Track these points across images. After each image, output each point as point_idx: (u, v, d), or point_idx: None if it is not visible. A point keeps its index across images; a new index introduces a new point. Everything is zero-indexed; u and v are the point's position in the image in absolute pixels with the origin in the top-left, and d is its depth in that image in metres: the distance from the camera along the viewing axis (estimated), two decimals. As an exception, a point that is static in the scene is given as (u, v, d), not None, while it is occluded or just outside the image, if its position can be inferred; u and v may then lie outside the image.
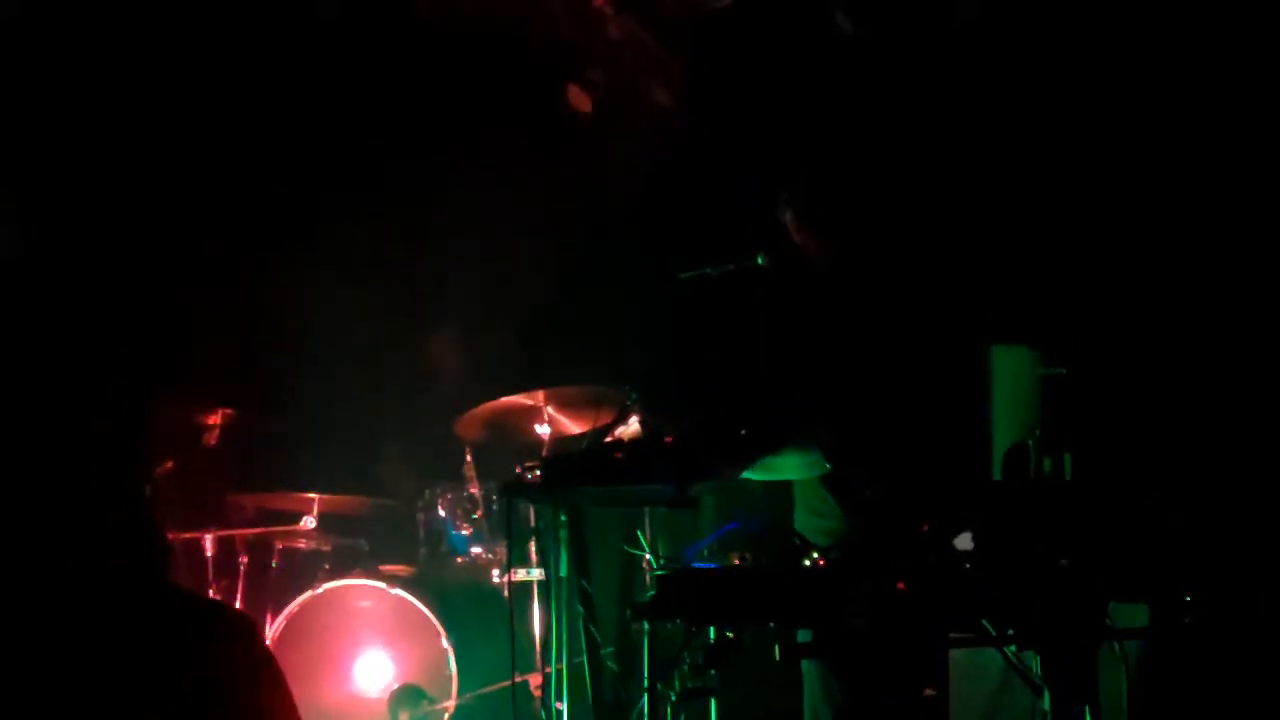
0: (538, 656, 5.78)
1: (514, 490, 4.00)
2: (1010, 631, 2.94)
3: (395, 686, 5.91)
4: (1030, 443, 3.35)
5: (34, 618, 1.61)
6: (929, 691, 4.17)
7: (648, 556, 4.99)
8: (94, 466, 1.71)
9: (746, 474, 3.89)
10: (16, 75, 5.27)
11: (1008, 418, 4.51)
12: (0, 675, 1.56)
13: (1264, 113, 4.66)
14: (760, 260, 4.20)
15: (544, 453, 5.63)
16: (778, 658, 2.91)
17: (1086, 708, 3.01)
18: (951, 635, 3.39)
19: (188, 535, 6.08)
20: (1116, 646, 3.17)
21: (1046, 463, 3.33)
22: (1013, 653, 3.09)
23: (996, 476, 3.75)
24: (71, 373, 1.73)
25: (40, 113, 5.28)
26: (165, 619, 1.69)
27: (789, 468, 4.08)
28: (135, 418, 1.72)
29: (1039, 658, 3.02)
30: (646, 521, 4.87)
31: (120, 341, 1.76)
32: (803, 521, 4.19)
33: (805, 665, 4.08)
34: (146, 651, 1.64)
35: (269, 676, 1.70)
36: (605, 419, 4.55)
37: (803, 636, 3.45)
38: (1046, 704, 3.10)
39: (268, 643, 5.27)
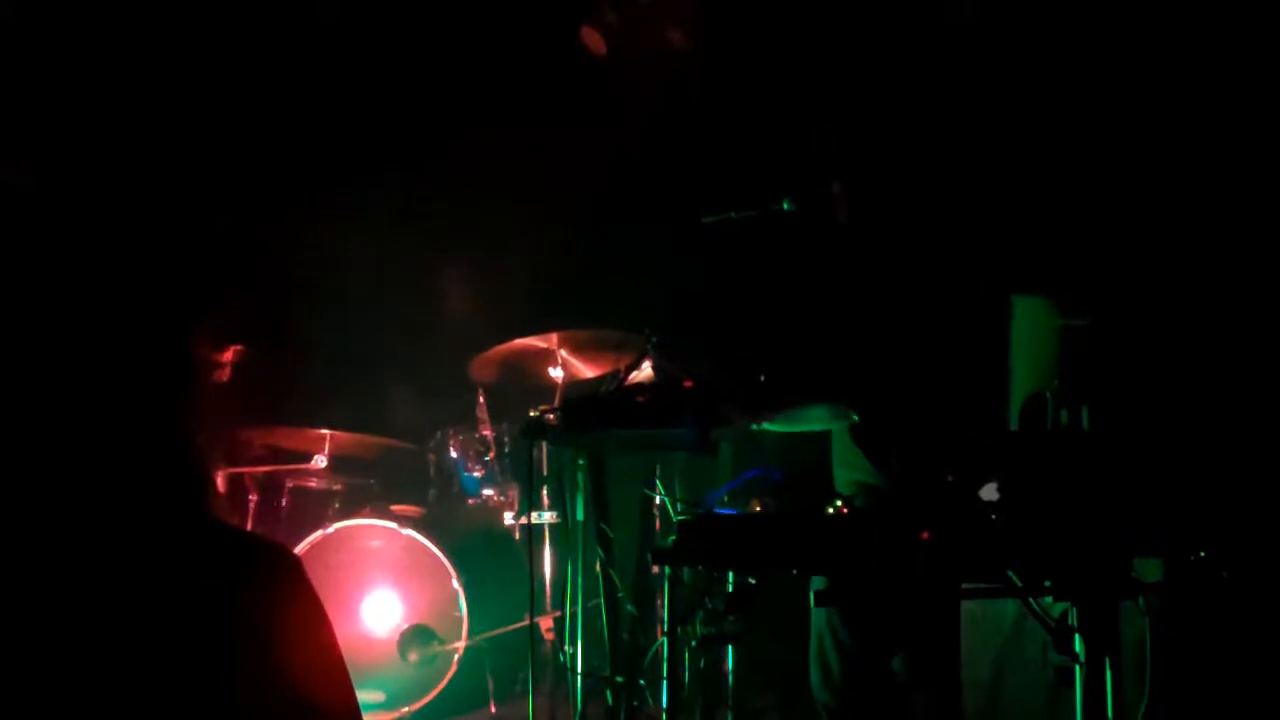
0: (549, 599, 5.79)
1: (535, 432, 3.98)
2: (1047, 583, 2.93)
3: (405, 627, 5.93)
4: (1048, 394, 3.33)
5: (75, 552, 1.60)
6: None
7: (658, 500, 4.99)
8: (135, 401, 1.69)
9: (769, 426, 3.87)
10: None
11: (1026, 368, 4.49)
12: (46, 615, 1.55)
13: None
14: (786, 205, 4.15)
15: (557, 396, 5.62)
16: (814, 605, 2.90)
17: (1107, 660, 3.01)
18: (975, 585, 3.38)
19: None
20: (1141, 600, 3.16)
21: (1064, 414, 3.31)
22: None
23: (1014, 428, 3.73)
24: (110, 303, 1.71)
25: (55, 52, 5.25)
26: (208, 554, 1.67)
27: (812, 418, 4.06)
28: (179, 351, 1.70)
29: (1060, 610, 3.02)
30: (658, 468, 4.86)
31: (155, 275, 1.74)
32: (839, 475, 4.17)
33: (815, 612, 4.07)
34: (189, 586, 1.63)
35: (314, 613, 1.68)
36: (624, 363, 4.52)
37: (817, 584, 3.44)
38: (1056, 658, 3.10)
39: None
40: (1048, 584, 2.96)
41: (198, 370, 1.71)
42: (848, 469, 4.11)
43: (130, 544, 1.60)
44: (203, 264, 1.77)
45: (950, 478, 3.14)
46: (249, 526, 6.25)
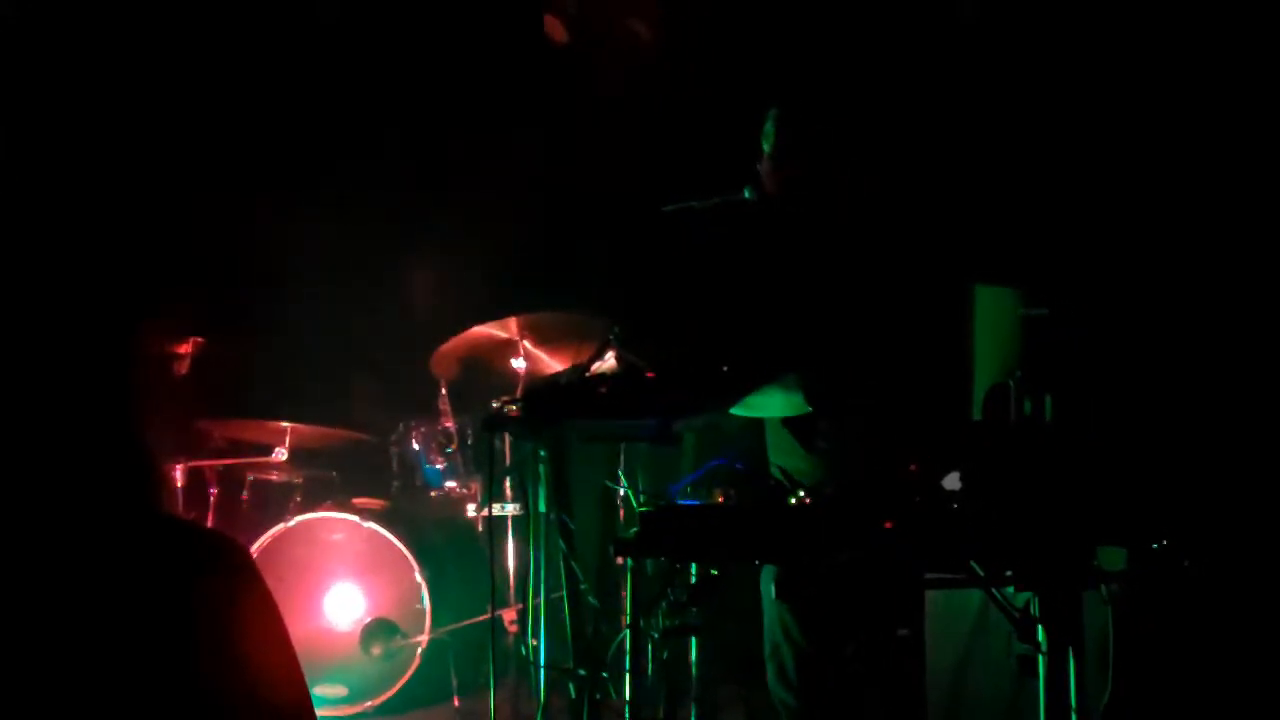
0: (511, 592, 5.77)
1: (495, 424, 3.95)
2: (1009, 573, 2.92)
3: (367, 620, 5.89)
4: (1011, 384, 3.32)
5: (19, 546, 1.56)
6: (902, 631, 4.17)
7: (621, 491, 4.97)
8: (82, 395, 1.65)
9: (733, 410, 3.86)
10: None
11: (989, 358, 4.49)
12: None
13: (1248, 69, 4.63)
14: (747, 194, 4.14)
15: (520, 388, 5.59)
16: (774, 597, 2.89)
17: (1070, 649, 3.01)
18: (938, 575, 3.37)
19: (157, 466, 6.01)
20: (1103, 589, 3.16)
21: (1027, 404, 3.31)
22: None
23: (977, 417, 3.73)
24: (55, 295, 1.67)
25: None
26: (155, 547, 1.64)
27: (773, 406, 4.05)
28: (126, 344, 1.67)
29: (1023, 599, 3.02)
30: (622, 458, 4.84)
31: (101, 267, 1.71)
32: (775, 460, 4.16)
33: (766, 603, 4.06)
34: (136, 580, 1.59)
35: (263, 606, 1.65)
36: (585, 353, 4.49)
37: (775, 575, 3.42)
38: (1020, 647, 3.10)
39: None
40: (1010, 574, 2.95)
41: (146, 363, 1.68)
42: (780, 453, 4.11)
43: (77, 538, 1.57)
44: (151, 256, 1.73)
45: (913, 467, 3.13)
46: (209, 520, 6.20)
